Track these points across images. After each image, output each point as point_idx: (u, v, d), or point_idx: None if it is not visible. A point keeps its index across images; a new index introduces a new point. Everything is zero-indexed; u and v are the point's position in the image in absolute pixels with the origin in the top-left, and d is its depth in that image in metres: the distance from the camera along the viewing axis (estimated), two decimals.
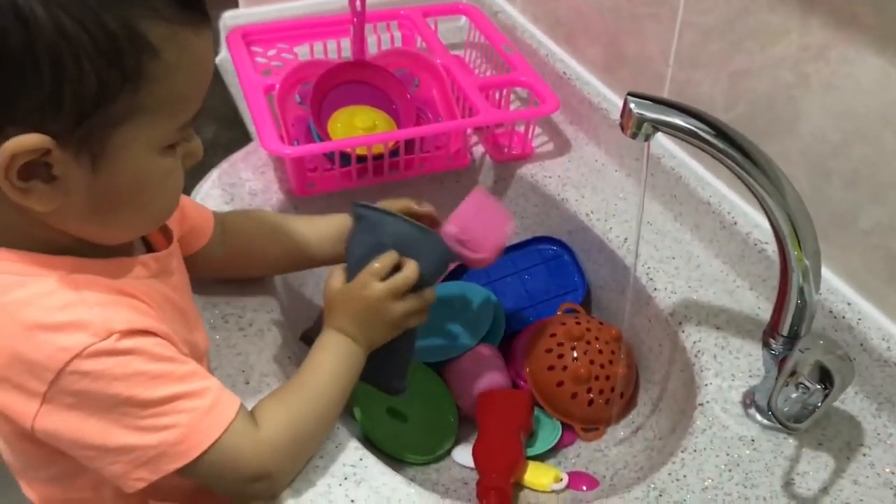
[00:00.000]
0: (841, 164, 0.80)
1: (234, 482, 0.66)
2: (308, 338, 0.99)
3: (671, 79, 0.99)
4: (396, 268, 0.77)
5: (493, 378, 0.96)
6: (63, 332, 0.57)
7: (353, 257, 0.78)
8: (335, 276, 0.78)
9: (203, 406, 0.62)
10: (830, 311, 0.82)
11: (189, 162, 0.63)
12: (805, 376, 0.71)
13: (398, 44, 1.23)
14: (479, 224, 0.83)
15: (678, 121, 0.69)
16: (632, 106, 0.69)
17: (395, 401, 0.94)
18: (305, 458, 0.72)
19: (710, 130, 0.68)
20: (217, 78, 1.19)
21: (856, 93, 0.76)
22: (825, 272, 0.82)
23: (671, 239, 0.99)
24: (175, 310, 0.68)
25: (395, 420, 0.94)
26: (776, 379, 0.73)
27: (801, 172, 0.84)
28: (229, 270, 0.88)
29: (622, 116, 0.71)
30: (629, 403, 0.96)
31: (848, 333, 0.81)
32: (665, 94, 1.00)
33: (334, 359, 0.74)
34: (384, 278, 0.76)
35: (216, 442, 0.62)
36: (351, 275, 0.77)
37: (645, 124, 0.69)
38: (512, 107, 1.18)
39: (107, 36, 0.51)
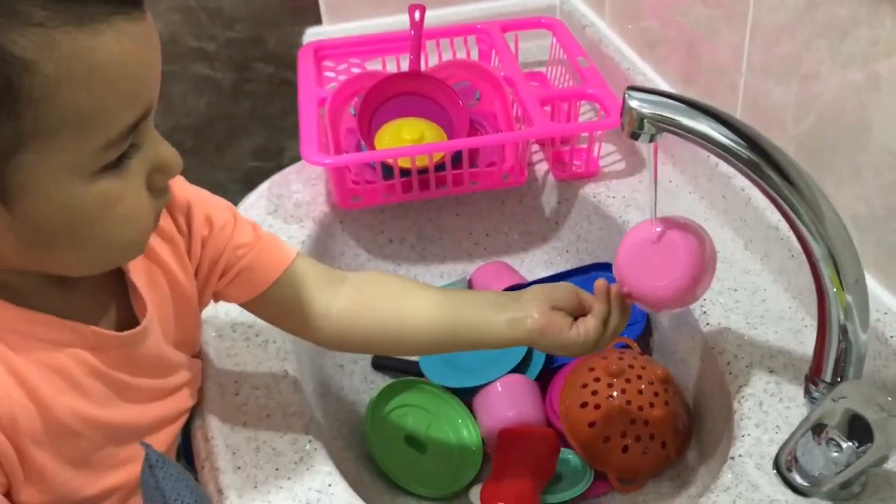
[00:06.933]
0: None
1: None
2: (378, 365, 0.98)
3: (744, 88, 0.87)
4: None
5: (521, 412, 0.87)
6: None
7: None
8: None
9: None
10: None
11: (161, 177, 0.55)
12: (835, 430, 0.58)
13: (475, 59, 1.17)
14: (639, 267, 0.68)
15: (682, 118, 0.59)
16: (631, 103, 0.60)
17: (415, 429, 0.88)
18: None
19: (720, 128, 0.58)
20: None
21: None
22: None
23: (739, 269, 0.87)
24: (102, 382, 0.60)
25: (412, 448, 0.87)
26: (796, 429, 0.60)
27: (872, 192, 0.70)
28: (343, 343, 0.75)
29: (621, 115, 0.62)
30: (679, 454, 0.84)
31: None
32: (739, 107, 0.88)
33: None
34: None
35: None
36: None
37: (646, 122, 0.60)
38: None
39: None
